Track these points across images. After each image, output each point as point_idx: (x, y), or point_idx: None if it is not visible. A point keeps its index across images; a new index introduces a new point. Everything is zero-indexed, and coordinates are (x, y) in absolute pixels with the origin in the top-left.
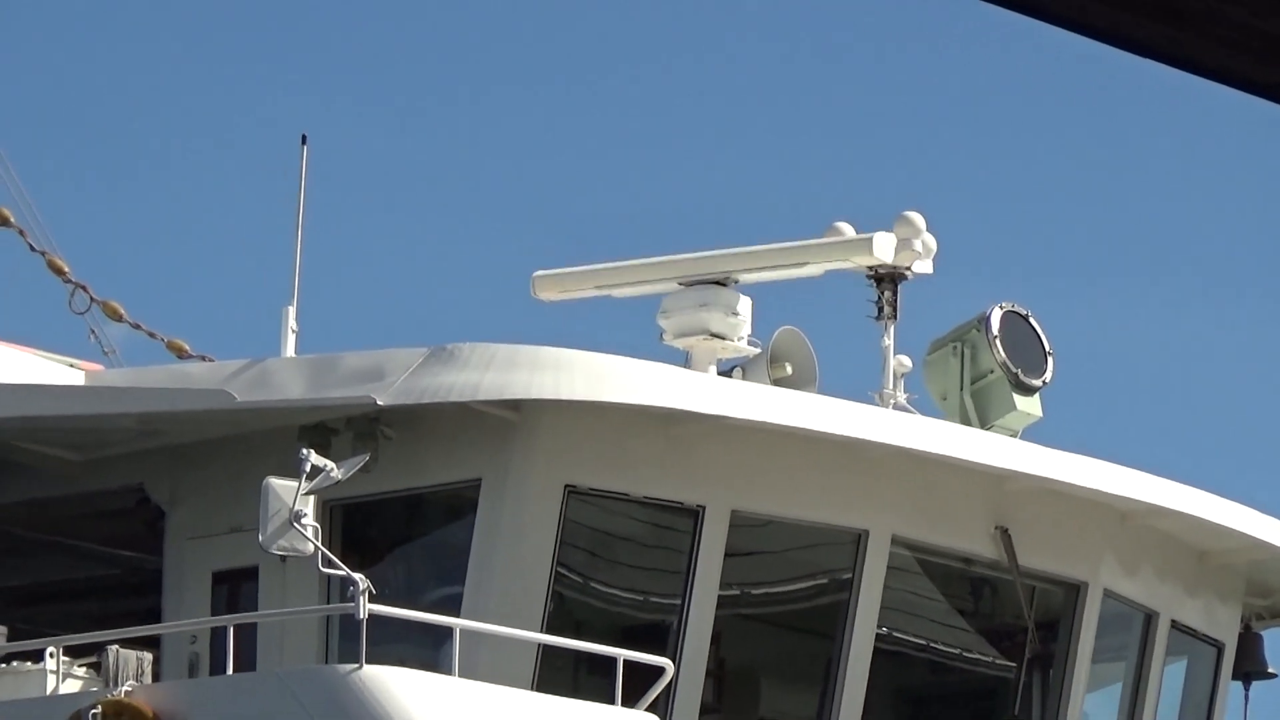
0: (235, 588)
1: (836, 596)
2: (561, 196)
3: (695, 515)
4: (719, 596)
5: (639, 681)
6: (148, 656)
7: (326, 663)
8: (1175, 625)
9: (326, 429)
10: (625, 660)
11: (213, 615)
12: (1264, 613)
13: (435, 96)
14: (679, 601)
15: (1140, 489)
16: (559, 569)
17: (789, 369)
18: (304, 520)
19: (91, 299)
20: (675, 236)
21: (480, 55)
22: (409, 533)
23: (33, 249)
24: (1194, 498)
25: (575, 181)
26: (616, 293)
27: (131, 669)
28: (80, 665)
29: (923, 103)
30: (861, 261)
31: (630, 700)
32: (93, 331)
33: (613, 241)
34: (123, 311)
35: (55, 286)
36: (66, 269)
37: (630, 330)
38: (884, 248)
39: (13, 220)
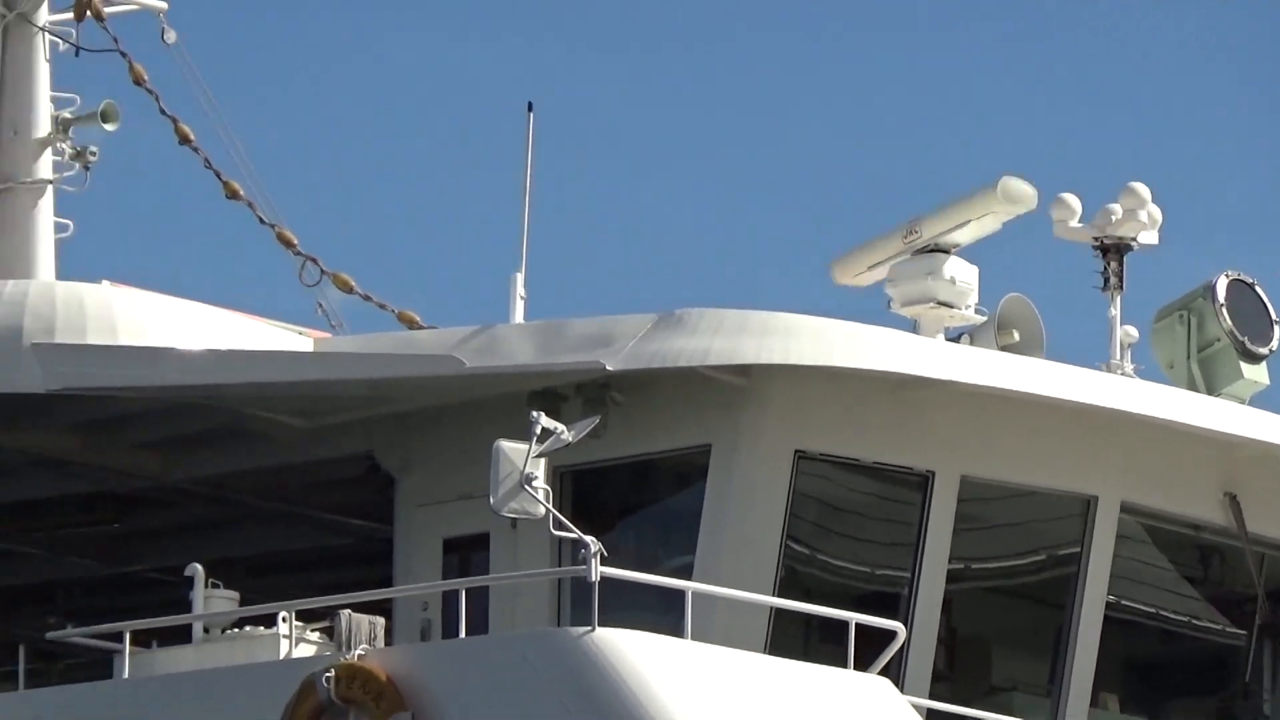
0: (466, 555)
1: (1066, 565)
2: (783, 161)
3: (924, 481)
4: (948, 566)
5: (869, 648)
6: (380, 621)
7: (558, 626)
8: None
9: (556, 395)
10: (856, 625)
11: (443, 581)
12: None
13: (657, 61)
14: (908, 568)
15: None
16: (788, 535)
17: (1016, 336)
18: (535, 483)
19: (322, 271)
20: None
21: (703, 18)
22: (638, 499)
23: (262, 221)
24: None
25: (800, 145)
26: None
27: (364, 633)
28: (312, 630)
29: (1146, 69)
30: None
31: (861, 665)
32: (320, 305)
33: (838, 207)
34: (353, 283)
35: (285, 259)
36: (296, 241)
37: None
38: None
39: (242, 193)
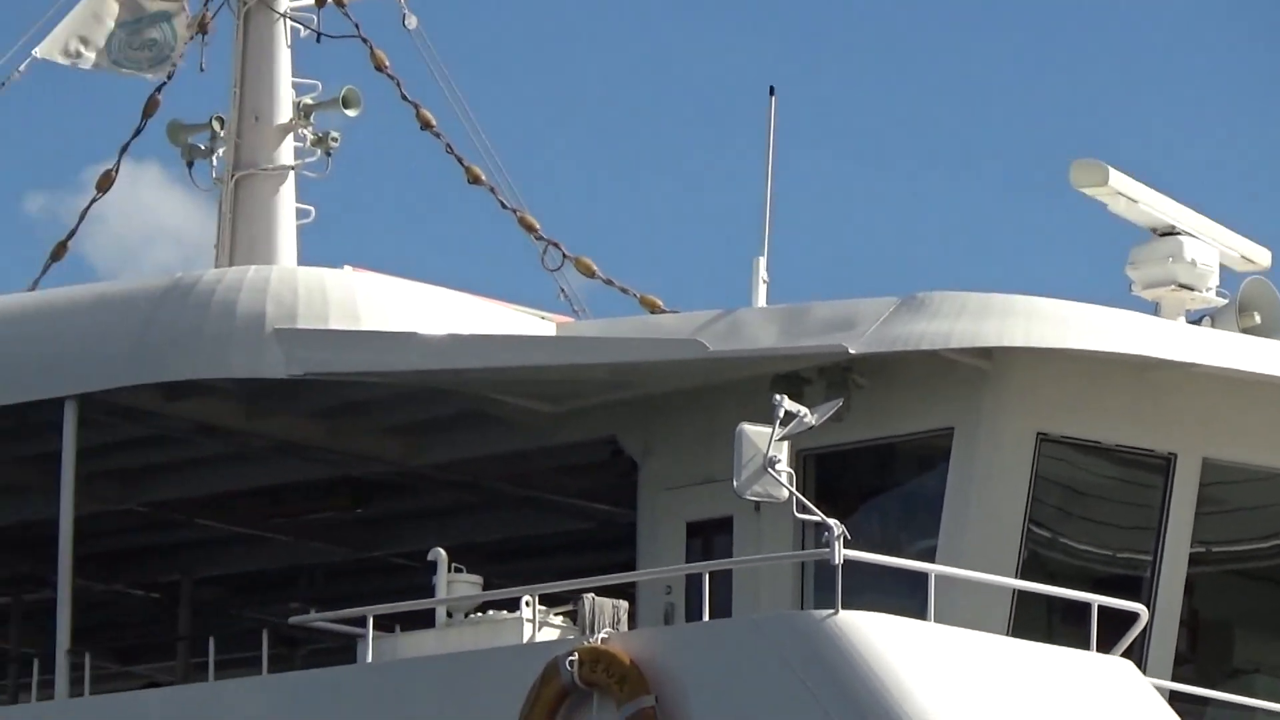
0: (709, 539)
1: None
2: (1023, 145)
3: (1166, 463)
4: (1190, 548)
5: (1111, 630)
6: (623, 605)
7: (801, 609)
8: None
9: (799, 378)
10: (1099, 607)
11: (686, 564)
12: None
13: (897, 47)
14: (1150, 551)
15: None
16: (1030, 518)
17: (1258, 318)
18: (778, 466)
19: (564, 255)
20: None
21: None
22: (881, 482)
23: (504, 206)
24: None
25: (1040, 130)
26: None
27: (608, 617)
28: (556, 614)
29: None
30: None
31: (1103, 648)
32: (562, 289)
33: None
34: (595, 268)
35: (527, 244)
36: (538, 226)
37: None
38: None
39: (484, 178)
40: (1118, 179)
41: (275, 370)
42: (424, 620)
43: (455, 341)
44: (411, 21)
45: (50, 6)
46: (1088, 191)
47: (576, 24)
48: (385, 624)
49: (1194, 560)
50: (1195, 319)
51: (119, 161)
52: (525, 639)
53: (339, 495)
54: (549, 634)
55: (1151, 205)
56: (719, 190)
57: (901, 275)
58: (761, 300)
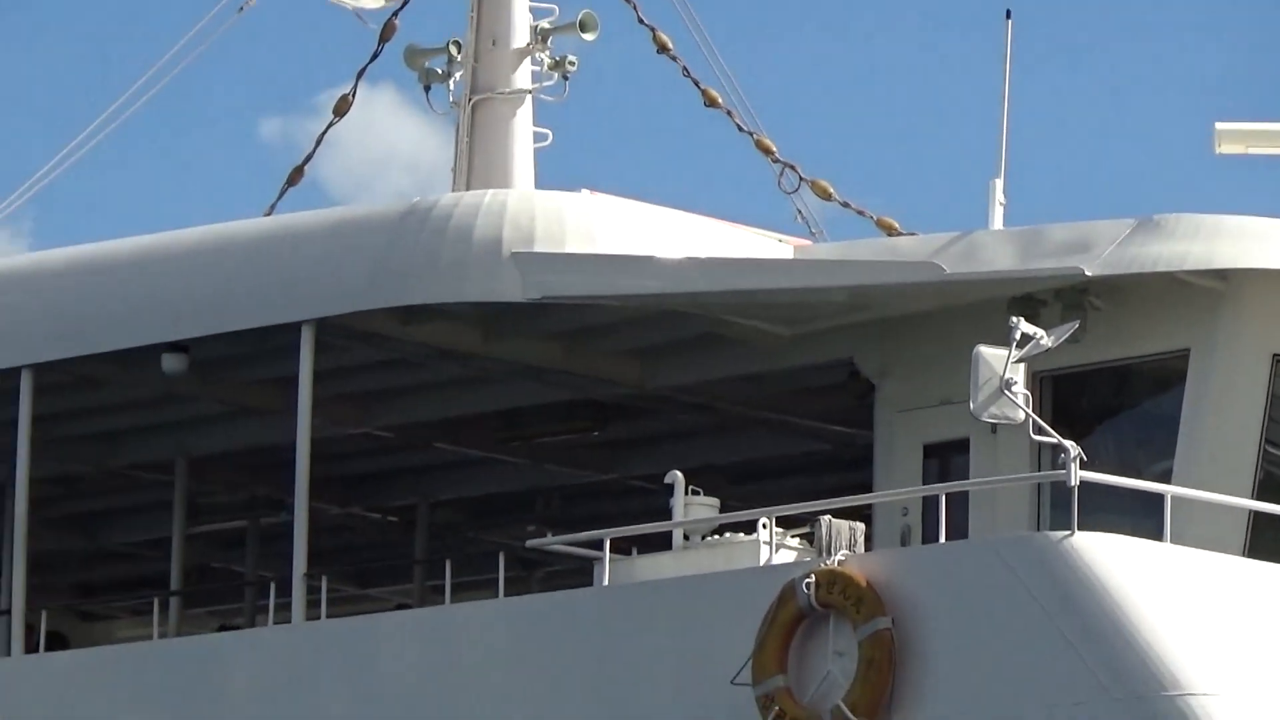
0: (945, 460)
1: None
2: (1272, 70)
3: None
4: None
5: None
6: (860, 527)
7: (1037, 531)
8: None
9: (1034, 300)
10: None
11: (923, 486)
12: None
13: None
14: None
15: None
16: (1266, 438)
17: None
18: (1014, 388)
19: (800, 178)
20: None
21: None
22: (1117, 403)
23: (740, 129)
24: None
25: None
26: None
27: (844, 539)
28: (792, 536)
29: None
30: None
31: None
32: (799, 211)
33: None
34: (832, 190)
35: (763, 166)
36: (774, 149)
37: None
38: None
39: (721, 101)
40: None
41: (512, 294)
42: (661, 543)
43: (692, 264)
44: None
45: None
46: None
47: None
48: (622, 547)
49: None
50: None
51: (355, 86)
52: (762, 562)
53: (576, 418)
54: (786, 556)
55: None
56: (956, 112)
57: (1138, 197)
58: (998, 222)
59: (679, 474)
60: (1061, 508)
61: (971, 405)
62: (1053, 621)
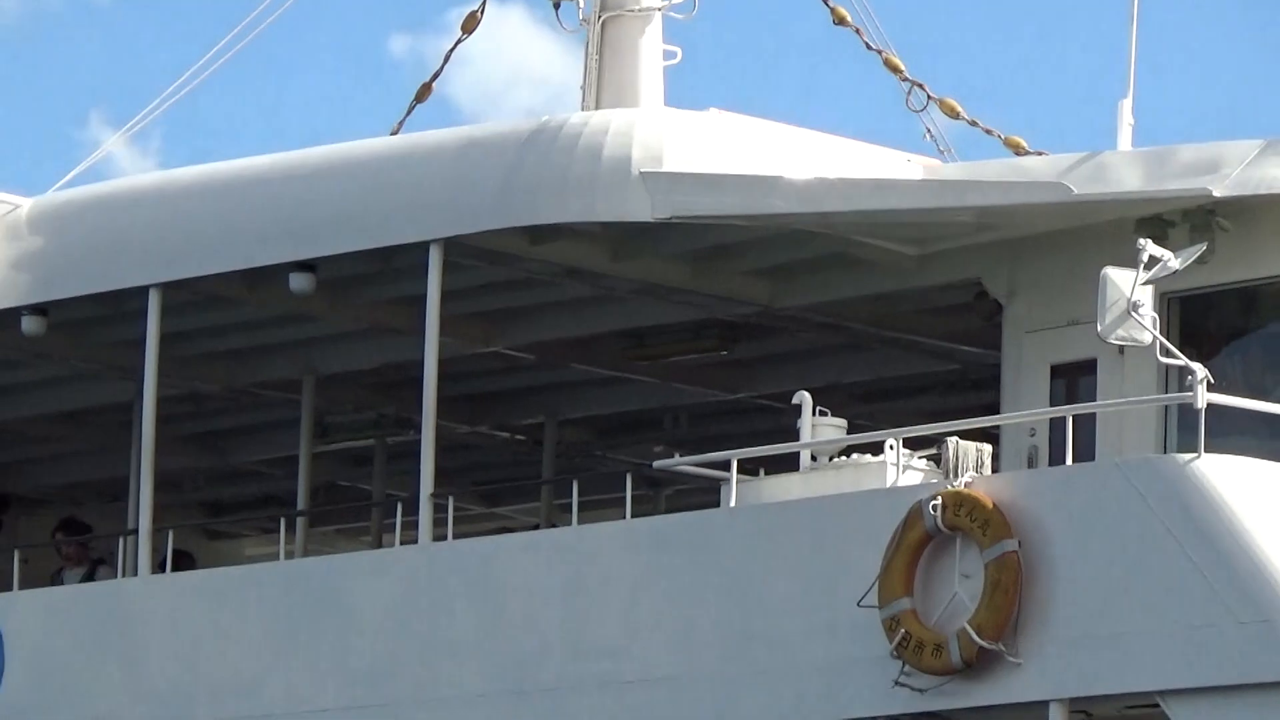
0: (1073, 381)
1: None
2: None
3: None
4: None
5: None
6: (986, 448)
7: (1164, 453)
8: None
9: (1162, 221)
10: None
11: (1050, 407)
12: None
13: None
14: None
15: None
16: None
17: None
18: (1141, 310)
19: (929, 96)
20: None
21: None
22: (1244, 325)
23: (869, 47)
24: None
25: None
26: None
27: (970, 461)
28: (919, 458)
29: None
30: None
31: None
32: (928, 130)
33: None
34: (960, 109)
35: (891, 84)
36: (903, 67)
37: None
38: None
39: (849, 19)
40: None
41: (641, 213)
42: (788, 464)
43: (820, 185)
44: None
45: None
46: None
47: None
48: (749, 467)
49: None
50: None
51: (484, 3)
52: (889, 483)
53: (704, 337)
54: (912, 478)
55: None
56: (1084, 32)
57: (1267, 119)
58: (1126, 143)
59: (807, 395)
60: (1188, 430)
61: (1098, 327)
62: (1179, 544)
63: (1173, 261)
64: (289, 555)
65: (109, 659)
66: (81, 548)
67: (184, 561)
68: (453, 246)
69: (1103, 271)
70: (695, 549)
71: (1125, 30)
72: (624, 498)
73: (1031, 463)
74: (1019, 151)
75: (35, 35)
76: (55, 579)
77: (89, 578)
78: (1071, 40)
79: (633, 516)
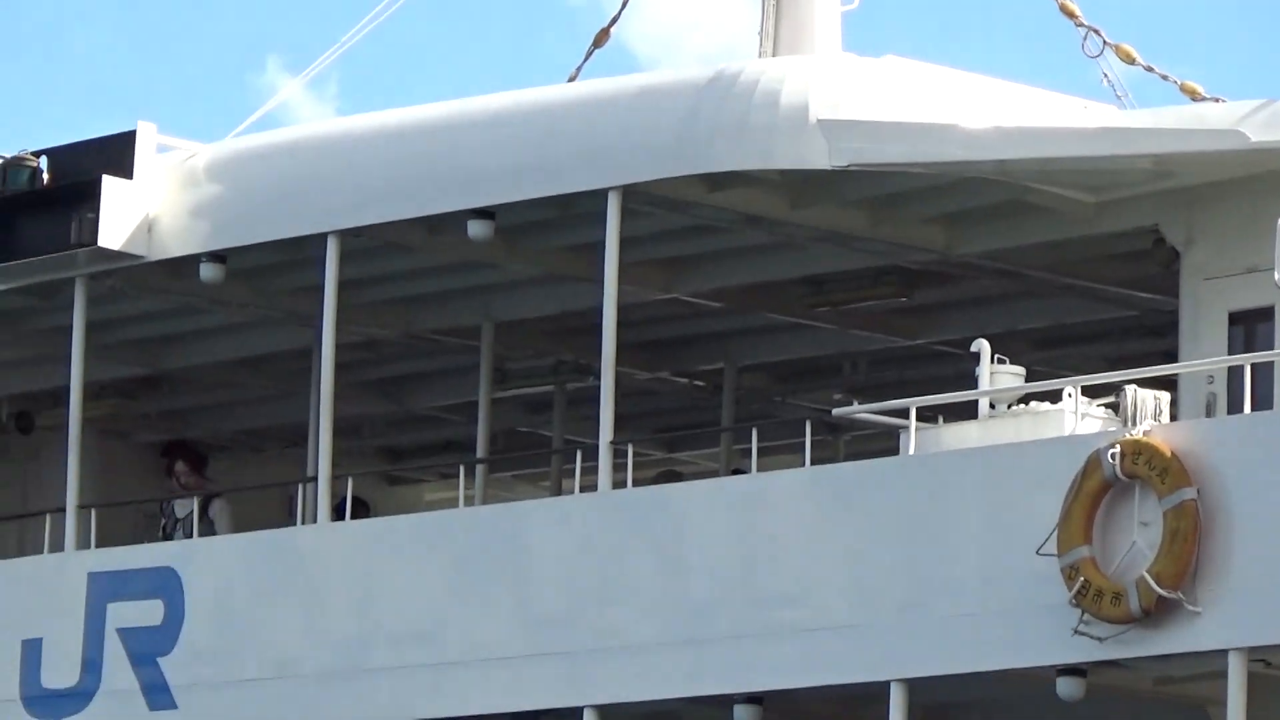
0: (1251, 328)
1: None
2: None
3: None
4: None
5: None
6: (1165, 396)
7: None
8: None
9: None
10: None
11: (1229, 355)
12: None
13: None
14: None
15: None
16: None
17: None
18: None
19: (1104, 42)
20: None
21: None
22: None
23: None
24: None
25: None
26: None
27: (1149, 409)
28: (1097, 405)
29: None
30: None
31: None
32: (1105, 75)
33: None
34: (1136, 55)
35: (1067, 30)
36: (1078, 13)
37: None
38: None
39: None
40: None
41: (819, 161)
42: (966, 411)
43: (998, 132)
44: None
45: None
46: None
47: None
48: (928, 415)
49: None
50: None
51: None
52: (1067, 431)
53: (883, 284)
54: (1090, 426)
55: None
56: None
57: None
58: None
59: (985, 343)
60: None
61: (1276, 275)
62: None
63: None
64: (468, 502)
65: (288, 606)
66: (201, 480)
67: (360, 510)
68: (631, 194)
69: (1279, 220)
70: (874, 496)
71: None
72: (803, 444)
73: (1209, 411)
74: (1195, 97)
75: None
76: (162, 509)
77: (203, 513)
78: None
79: (811, 463)
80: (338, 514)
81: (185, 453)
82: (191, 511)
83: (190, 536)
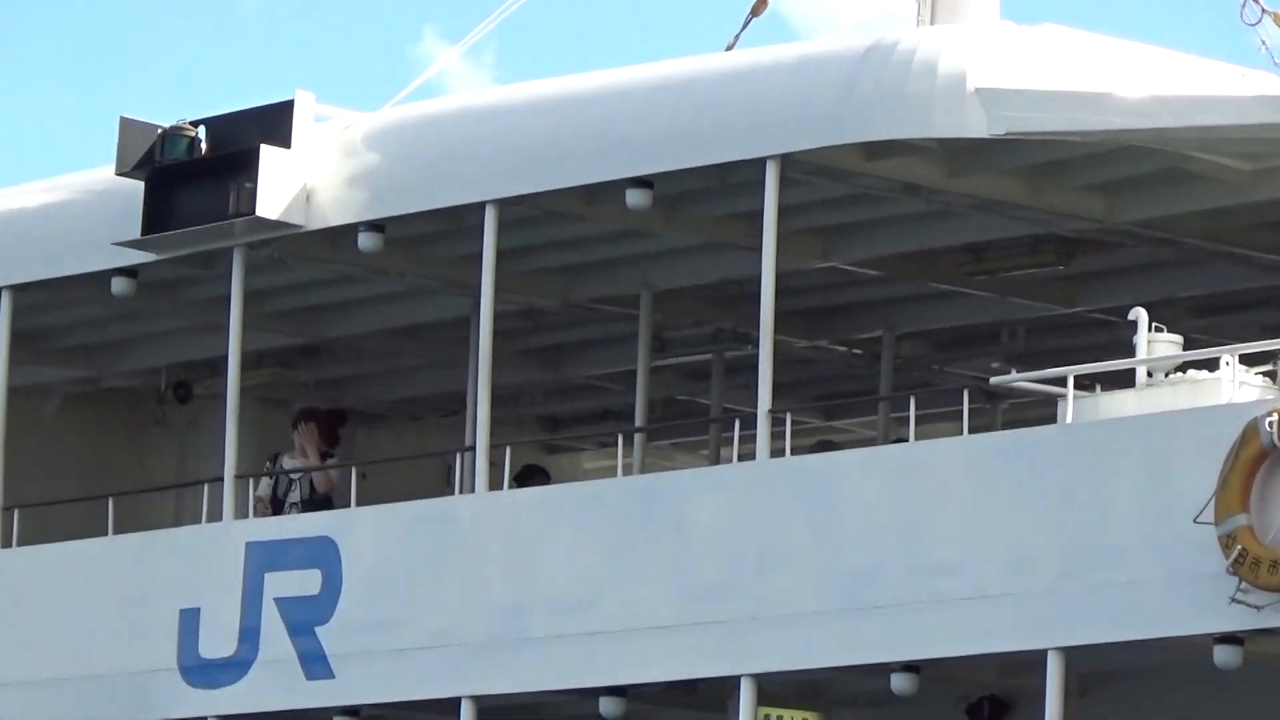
0: None
1: None
2: None
3: None
4: None
5: None
6: None
7: None
8: None
9: None
10: None
11: None
12: None
13: None
14: None
15: None
16: None
17: None
18: None
19: (1263, 10)
20: None
21: None
22: None
23: None
24: None
25: None
26: None
27: None
28: (1255, 374)
29: None
30: None
31: None
32: (1263, 42)
33: None
34: None
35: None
36: None
37: None
38: None
39: None
40: None
41: (977, 129)
42: (1123, 379)
43: (1155, 101)
44: None
45: None
46: None
47: None
48: (1085, 383)
49: None
50: None
51: None
52: (1224, 400)
53: (1041, 252)
54: (1248, 394)
55: None
56: None
57: None
58: None
59: (1142, 311)
60: None
61: None
62: None
63: None
64: (626, 471)
65: (446, 576)
66: (320, 443)
67: (539, 477)
68: (789, 162)
69: None
70: (1031, 465)
71: None
72: (961, 412)
73: None
74: None
75: None
76: (274, 459)
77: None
78: None
79: (969, 432)
80: (518, 482)
81: (318, 418)
82: (295, 476)
83: (300, 499)
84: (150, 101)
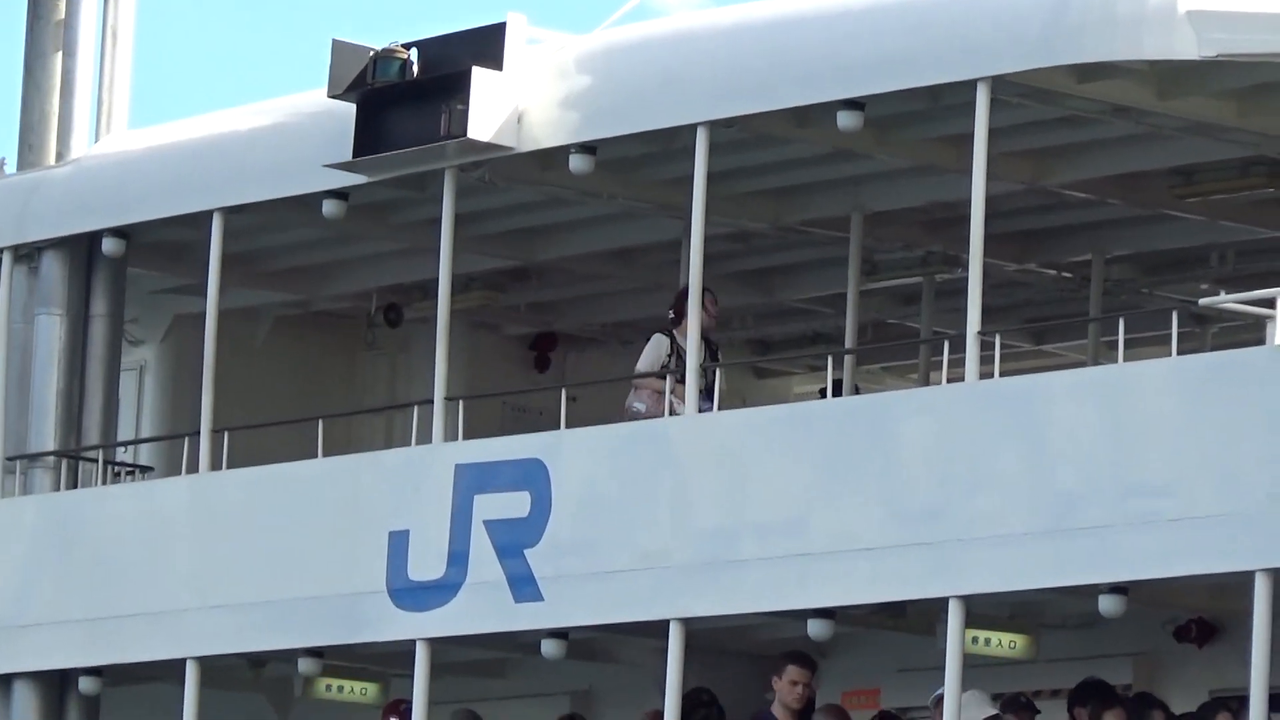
0: None
1: None
2: None
3: None
4: None
5: None
6: None
7: None
8: None
9: None
10: None
11: None
12: None
13: None
14: None
15: None
16: None
17: None
18: None
19: None
20: None
21: None
22: None
23: None
24: None
25: None
26: None
27: None
28: None
29: None
30: None
31: None
32: None
33: None
34: None
35: None
36: None
37: None
38: None
39: None
40: None
41: (1187, 51)
42: None
43: None
44: None
45: None
46: None
47: None
48: None
49: None
50: None
51: None
52: None
53: (1252, 174)
54: None
55: None
56: None
57: None
58: None
59: None
60: None
61: None
62: None
63: None
64: (836, 392)
65: (655, 497)
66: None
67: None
68: (1000, 84)
69: None
70: (1240, 386)
71: None
72: (1169, 335)
73: None
74: None
75: None
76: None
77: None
78: None
79: (1178, 354)
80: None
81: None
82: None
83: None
84: (363, 24)
